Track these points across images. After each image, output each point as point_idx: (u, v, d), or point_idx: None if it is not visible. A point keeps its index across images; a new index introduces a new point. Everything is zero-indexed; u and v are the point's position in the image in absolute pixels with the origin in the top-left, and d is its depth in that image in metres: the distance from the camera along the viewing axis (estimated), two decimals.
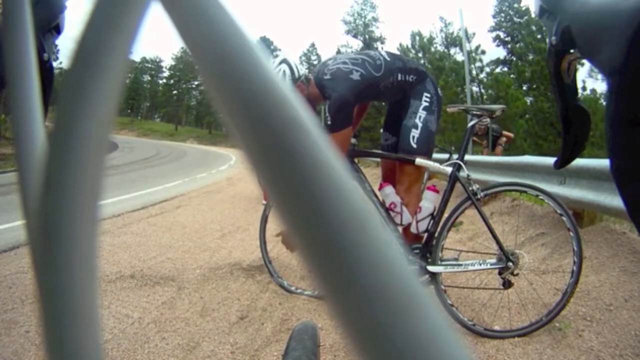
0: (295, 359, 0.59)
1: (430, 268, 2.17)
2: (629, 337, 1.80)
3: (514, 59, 32.07)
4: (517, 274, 2.10)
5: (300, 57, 53.77)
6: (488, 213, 4.36)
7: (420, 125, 2.34)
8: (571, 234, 1.99)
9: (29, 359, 1.72)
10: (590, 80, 30.46)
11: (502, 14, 34.03)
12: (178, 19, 0.16)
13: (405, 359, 0.12)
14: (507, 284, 2.09)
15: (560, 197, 3.01)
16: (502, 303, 2.24)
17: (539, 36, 28.99)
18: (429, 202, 2.29)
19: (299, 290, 2.50)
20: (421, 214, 2.27)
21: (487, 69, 33.37)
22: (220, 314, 2.20)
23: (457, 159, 2.24)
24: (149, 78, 68.63)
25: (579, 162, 3.04)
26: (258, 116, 0.14)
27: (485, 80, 30.15)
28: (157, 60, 68.41)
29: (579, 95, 0.53)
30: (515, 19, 33.07)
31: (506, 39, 33.61)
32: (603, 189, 2.71)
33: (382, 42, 45.20)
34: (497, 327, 2.06)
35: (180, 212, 5.28)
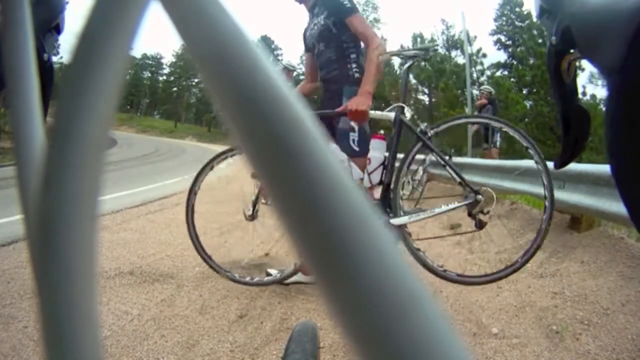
0: (295, 359, 0.59)
1: (394, 221, 2.11)
2: (625, 341, 1.81)
3: (515, 62, 32.08)
4: (488, 212, 2.06)
5: (301, 57, 53.58)
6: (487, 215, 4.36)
7: (356, 127, 2.31)
8: (539, 167, 1.99)
9: (27, 355, 1.72)
10: (590, 86, 30.47)
11: (504, 18, 34.02)
12: (177, 19, 0.17)
13: (405, 359, 0.12)
14: (479, 224, 2.08)
15: (559, 202, 3.03)
16: (475, 249, 2.23)
17: (540, 40, 28.99)
18: (377, 151, 2.24)
19: (255, 280, 2.44)
20: (371, 166, 2.23)
21: (488, 72, 33.41)
22: (219, 312, 2.20)
23: (400, 103, 2.23)
24: (149, 75, 68.33)
25: (578, 167, 3.05)
26: (257, 115, 0.15)
27: (485, 83, 30.09)
28: (158, 56, 68.13)
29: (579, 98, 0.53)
30: (516, 22, 33.06)
31: (507, 42, 33.61)
32: (602, 194, 2.71)
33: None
34: (470, 273, 2.04)
35: (179, 209, 5.25)
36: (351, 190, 0.14)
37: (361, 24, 2.37)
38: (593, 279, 2.38)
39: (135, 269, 2.77)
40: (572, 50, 0.48)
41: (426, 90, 37.66)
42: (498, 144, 8.46)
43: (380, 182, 2.21)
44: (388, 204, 2.16)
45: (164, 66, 68.11)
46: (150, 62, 67.75)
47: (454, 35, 36.06)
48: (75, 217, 0.16)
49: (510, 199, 4.60)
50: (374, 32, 2.38)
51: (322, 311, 2.16)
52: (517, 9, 32.90)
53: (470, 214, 2.10)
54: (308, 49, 2.66)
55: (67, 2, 0.61)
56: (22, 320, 1.99)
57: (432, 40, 35.56)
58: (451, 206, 2.11)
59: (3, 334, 1.87)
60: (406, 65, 2.31)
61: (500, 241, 2.13)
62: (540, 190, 2.11)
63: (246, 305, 2.28)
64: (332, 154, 0.14)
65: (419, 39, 36.52)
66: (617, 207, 2.42)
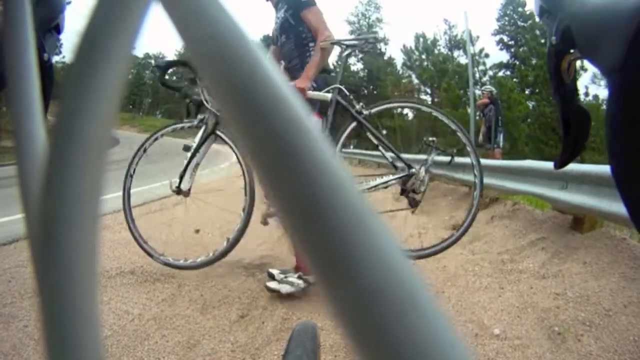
0: (295, 358, 0.60)
1: None
2: (627, 342, 1.80)
3: (517, 62, 32.06)
4: (420, 192, 2.16)
5: None
6: (489, 217, 4.36)
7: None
8: (468, 148, 2.07)
9: (27, 354, 1.72)
10: (593, 87, 30.42)
11: (506, 18, 33.98)
12: (177, 18, 0.17)
13: (405, 359, 0.12)
14: (413, 202, 2.23)
15: (561, 202, 3.02)
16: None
17: (542, 40, 28.95)
18: None
19: (189, 262, 2.55)
20: None
21: (490, 73, 33.38)
22: (220, 312, 2.20)
23: (337, 83, 2.38)
24: (152, 74, 68.50)
25: (580, 167, 3.04)
26: (258, 115, 0.14)
27: (488, 83, 30.10)
28: (160, 56, 68.28)
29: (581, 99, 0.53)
30: (519, 23, 33.03)
31: (510, 42, 33.58)
32: (604, 194, 2.70)
33: (386, 44, 45.13)
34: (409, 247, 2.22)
35: (180, 208, 5.26)
36: (352, 190, 0.14)
37: (314, 17, 2.53)
38: (595, 280, 2.38)
39: (137, 269, 2.78)
40: (572, 50, 0.48)
41: (429, 90, 37.65)
42: (501, 144, 8.47)
43: None
44: None
45: None
46: (152, 61, 67.86)
47: (456, 35, 36.05)
48: (77, 217, 0.16)
49: (512, 200, 4.59)
50: (325, 25, 2.54)
51: (324, 311, 2.16)
52: (520, 9, 32.86)
53: (403, 192, 2.24)
54: (273, 42, 2.84)
55: (69, 3, 0.61)
56: (22, 320, 1.99)
57: (435, 40, 35.59)
58: (385, 179, 2.26)
59: (3, 333, 1.87)
60: (345, 53, 2.54)
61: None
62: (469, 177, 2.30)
63: (247, 305, 2.28)
64: (333, 153, 0.14)
65: (421, 39, 36.50)
66: (620, 208, 2.41)
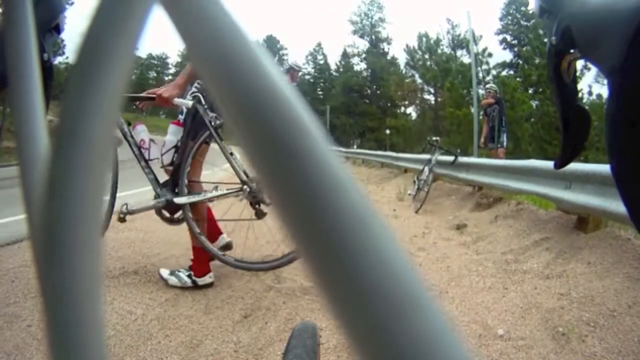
0: (295, 356, 0.60)
1: (177, 200, 2.40)
2: (632, 343, 1.80)
3: (521, 62, 32.01)
4: (268, 204, 2.25)
5: (307, 57, 53.78)
6: (492, 216, 4.35)
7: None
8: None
9: (30, 354, 1.73)
10: (596, 86, 30.34)
11: (509, 17, 33.96)
12: (178, 19, 0.16)
13: (405, 359, 0.12)
14: (260, 214, 2.40)
15: (566, 202, 3.01)
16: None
17: (545, 40, 28.83)
18: (172, 135, 2.50)
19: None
20: (165, 147, 2.49)
21: (494, 72, 33.34)
22: (223, 312, 2.20)
23: (198, 92, 2.44)
24: (155, 74, 68.64)
25: (585, 167, 3.04)
26: (258, 116, 0.14)
27: (491, 82, 30.07)
28: (163, 56, 68.46)
29: (582, 98, 0.53)
30: (522, 22, 33.01)
31: (513, 42, 33.54)
32: (609, 194, 2.69)
33: (389, 43, 45.18)
34: (249, 259, 2.40)
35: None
36: (352, 190, 0.14)
37: None
38: (599, 280, 2.37)
39: (140, 269, 2.79)
40: (572, 50, 0.48)
41: (432, 90, 37.64)
42: (505, 144, 8.46)
43: (171, 163, 2.48)
44: (177, 183, 2.44)
45: (170, 66, 68.44)
46: (155, 62, 68.10)
47: (459, 35, 36.06)
48: (80, 217, 0.16)
49: (515, 200, 4.58)
50: None
51: (327, 312, 2.16)
52: (523, 8, 32.82)
53: (252, 205, 2.38)
54: None
55: (72, 3, 0.61)
56: (26, 319, 2.00)
57: (438, 39, 35.60)
58: (225, 192, 2.41)
59: (7, 332, 1.88)
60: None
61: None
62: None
63: (251, 306, 2.28)
64: (334, 155, 0.14)
65: (424, 39, 36.49)
66: (624, 207, 2.40)
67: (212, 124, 2.33)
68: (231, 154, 2.37)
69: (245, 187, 2.34)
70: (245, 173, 2.35)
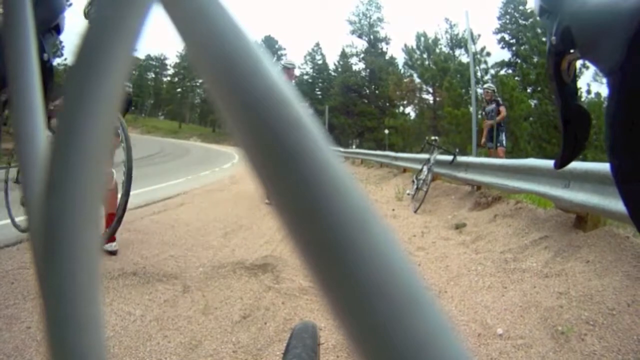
0: (295, 356, 0.60)
1: None
2: (631, 341, 1.80)
3: (519, 61, 32.03)
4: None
5: (305, 57, 53.77)
6: (491, 215, 4.35)
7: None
8: (123, 144, 2.28)
9: (30, 355, 1.72)
10: (595, 85, 30.38)
11: (508, 16, 33.98)
12: (178, 19, 0.17)
13: (405, 359, 0.12)
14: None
15: (564, 201, 3.02)
16: None
17: (544, 39, 28.88)
18: None
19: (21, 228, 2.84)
20: None
21: (492, 71, 33.36)
22: (222, 313, 2.20)
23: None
24: (154, 75, 68.59)
25: (583, 165, 3.04)
26: (258, 116, 0.14)
27: (489, 81, 30.09)
28: (162, 57, 68.39)
29: (581, 96, 0.53)
30: (520, 21, 33.03)
31: (511, 41, 33.57)
32: (607, 193, 2.69)
33: (387, 43, 45.20)
34: None
35: (183, 209, 5.28)
36: (353, 190, 0.14)
37: None
38: (598, 279, 2.37)
39: (139, 270, 2.78)
40: (572, 50, 0.48)
41: (430, 90, 37.65)
42: (504, 143, 8.46)
43: None
44: None
45: (168, 67, 68.43)
46: (154, 63, 68.04)
47: (457, 34, 36.09)
48: (79, 218, 0.16)
49: (514, 199, 4.59)
50: None
51: (326, 312, 2.16)
52: (521, 7, 32.84)
53: None
54: None
55: (70, 4, 0.61)
56: (25, 321, 1.99)
57: (436, 39, 35.63)
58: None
59: (6, 334, 1.87)
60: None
61: None
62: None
63: (250, 306, 2.28)
64: (334, 155, 0.14)
65: (422, 38, 36.49)
66: (624, 206, 2.40)
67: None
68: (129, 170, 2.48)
69: None
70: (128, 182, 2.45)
